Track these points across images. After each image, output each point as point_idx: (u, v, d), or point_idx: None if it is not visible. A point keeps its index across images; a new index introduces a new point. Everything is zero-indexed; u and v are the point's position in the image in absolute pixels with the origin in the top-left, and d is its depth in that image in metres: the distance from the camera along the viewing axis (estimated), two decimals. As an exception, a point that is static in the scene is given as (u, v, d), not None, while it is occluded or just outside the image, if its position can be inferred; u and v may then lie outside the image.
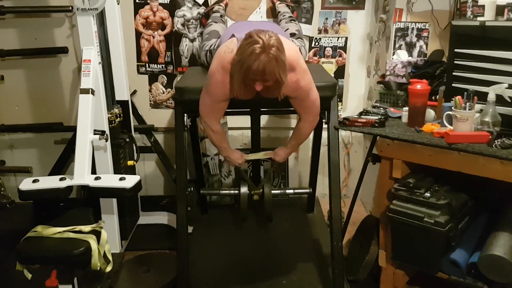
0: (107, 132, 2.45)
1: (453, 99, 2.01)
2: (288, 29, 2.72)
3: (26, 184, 2.18)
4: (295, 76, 2.02)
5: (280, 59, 1.86)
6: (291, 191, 2.73)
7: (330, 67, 3.24)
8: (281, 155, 2.42)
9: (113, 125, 2.61)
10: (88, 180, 2.21)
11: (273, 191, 2.45)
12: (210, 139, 2.37)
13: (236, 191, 2.48)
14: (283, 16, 2.90)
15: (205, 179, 3.23)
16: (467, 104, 1.96)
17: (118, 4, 2.70)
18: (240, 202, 2.45)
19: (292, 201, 3.37)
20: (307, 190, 2.75)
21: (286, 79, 1.93)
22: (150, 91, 3.29)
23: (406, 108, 2.27)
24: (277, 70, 1.86)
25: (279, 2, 3.05)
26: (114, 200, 2.59)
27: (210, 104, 2.15)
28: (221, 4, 3.05)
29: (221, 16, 2.95)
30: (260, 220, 2.97)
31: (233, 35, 2.11)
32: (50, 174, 3.13)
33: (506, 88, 1.96)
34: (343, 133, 3.36)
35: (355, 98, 3.36)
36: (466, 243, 2.06)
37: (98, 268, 1.98)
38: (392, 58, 2.69)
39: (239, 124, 3.26)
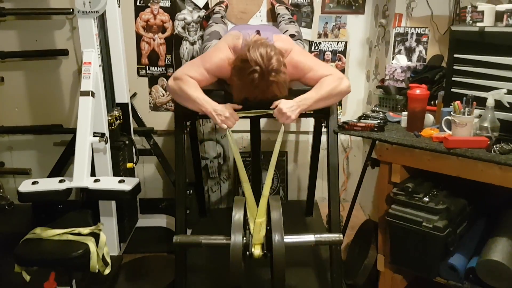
0: (107, 134, 2.45)
1: (452, 104, 2.01)
2: (287, 30, 2.72)
3: (25, 186, 2.19)
4: (288, 59, 1.96)
5: (280, 81, 1.84)
6: (312, 238, 1.89)
7: (329, 71, 3.25)
8: (286, 105, 1.89)
9: (112, 127, 2.61)
10: (87, 182, 2.22)
11: (287, 239, 1.70)
12: (182, 94, 1.94)
13: (226, 241, 1.72)
14: (283, 18, 2.91)
15: (204, 182, 3.23)
16: (466, 109, 1.96)
17: (119, 7, 2.71)
18: (230, 262, 1.68)
19: (291, 204, 3.38)
20: (336, 237, 1.92)
21: (285, 93, 1.92)
22: (150, 93, 3.30)
23: (405, 113, 2.28)
24: (277, 92, 1.86)
25: (278, 4, 3.05)
26: (113, 203, 2.59)
27: (198, 64, 2.00)
28: (221, 5, 3.06)
29: (222, 17, 2.95)
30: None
31: None
32: (49, 176, 3.12)
33: (505, 93, 1.96)
34: (342, 137, 3.37)
35: (355, 102, 3.36)
36: (464, 248, 2.06)
37: (97, 271, 1.98)
38: (392, 63, 2.69)
39: (239, 127, 3.24)
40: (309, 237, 1.88)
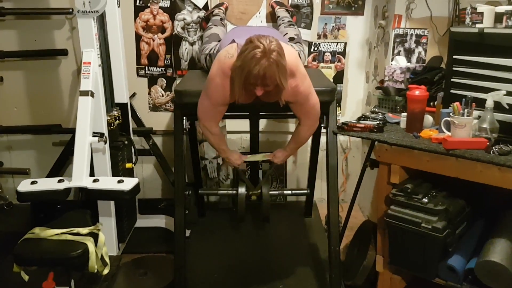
0: (106, 134, 2.45)
1: (451, 105, 2.02)
2: (287, 33, 2.73)
3: (24, 185, 2.18)
4: (294, 82, 2.03)
5: (281, 64, 1.87)
6: (289, 192, 2.81)
7: (329, 72, 3.25)
8: (279, 157, 2.44)
9: (112, 127, 2.61)
10: (86, 182, 2.21)
11: (271, 192, 2.48)
12: (209, 142, 2.39)
13: (234, 191, 2.48)
14: (282, 20, 2.91)
15: (203, 183, 3.23)
16: (465, 110, 1.96)
17: (118, 7, 2.71)
18: (238, 202, 2.45)
19: (290, 205, 3.38)
20: (305, 191, 2.80)
21: (286, 84, 1.93)
22: (149, 94, 3.29)
23: (404, 114, 2.28)
24: (277, 75, 1.86)
25: (278, 7, 3.06)
26: (112, 203, 2.58)
27: (209, 107, 2.16)
28: (221, 7, 3.06)
29: (221, 19, 2.96)
30: (257, 222, 2.96)
31: (233, 41, 2.11)
32: (48, 176, 3.12)
33: (504, 95, 1.97)
34: (341, 138, 3.37)
35: (354, 103, 3.37)
36: (463, 249, 2.06)
37: (95, 271, 1.98)
38: (391, 64, 2.70)
39: (238, 127, 3.26)
40: (287, 191, 2.92)
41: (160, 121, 3.32)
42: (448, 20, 2.65)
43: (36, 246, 1.94)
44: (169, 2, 3.10)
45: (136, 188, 2.26)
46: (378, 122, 2.29)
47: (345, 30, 3.20)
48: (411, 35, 2.71)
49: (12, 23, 3.14)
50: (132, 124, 3.04)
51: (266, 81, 1.87)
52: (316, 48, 3.22)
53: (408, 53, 2.73)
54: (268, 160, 2.49)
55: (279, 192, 3.08)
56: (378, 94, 2.68)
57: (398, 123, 2.35)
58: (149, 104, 3.31)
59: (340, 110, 3.33)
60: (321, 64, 3.26)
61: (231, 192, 2.59)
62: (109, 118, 2.59)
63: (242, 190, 2.45)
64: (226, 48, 2.11)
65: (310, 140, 3.00)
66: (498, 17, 2.05)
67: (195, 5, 3.11)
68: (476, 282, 1.94)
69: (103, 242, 2.07)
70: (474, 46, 2.09)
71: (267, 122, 3.34)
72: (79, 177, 2.22)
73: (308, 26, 3.18)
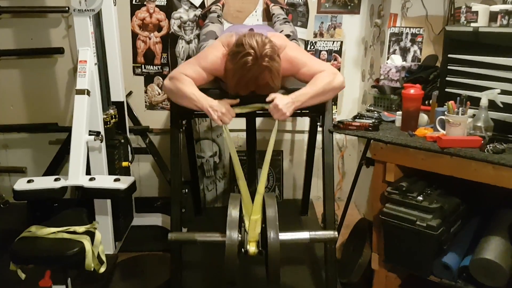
0: (102, 133, 2.45)
1: (446, 104, 2.03)
2: (282, 30, 2.73)
3: (21, 184, 2.19)
4: (283, 55, 1.98)
5: (274, 68, 1.86)
6: (307, 235, 1.96)
7: (325, 71, 3.26)
8: (281, 101, 1.90)
9: (108, 126, 2.61)
10: (82, 180, 2.22)
11: (282, 236, 1.71)
12: (178, 93, 1.95)
13: (221, 238, 1.76)
14: (277, 18, 2.91)
15: (200, 181, 3.23)
16: (460, 109, 1.97)
17: (114, 5, 2.71)
18: (225, 257, 1.69)
19: (286, 203, 3.39)
20: (331, 234, 2.00)
21: (279, 84, 1.93)
22: (145, 92, 3.30)
23: (399, 112, 2.29)
24: (270, 79, 1.87)
25: (273, 4, 3.06)
26: (108, 201, 2.59)
27: (194, 63, 2.03)
28: (218, 4, 3.06)
29: (218, 16, 2.96)
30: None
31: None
32: (44, 175, 3.12)
33: (499, 93, 1.98)
34: (337, 136, 3.38)
35: (350, 101, 3.37)
36: (457, 246, 2.08)
37: (92, 269, 1.98)
38: (387, 63, 2.71)
39: (234, 126, 3.25)
40: (304, 235, 1.92)
41: (156, 119, 3.33)
42: (444, 19, 2.66)
43: (32, 245, 1.94)
44: (165, 0, 3.10)
45: (133, 187, 2.26)
46: (373, 120, 2.30)
47: (341, 29, 3.21)
48: (407, 34, 2.72)
49: (8, 22, 3.14)
50: (128, 123, 3.04)
51: (258, 83, 1.87)
52: (312, 47, 3.23)
53: (404, 51, 2.74)
54: (267, 112, 1.95)
55: (294, 237, 1.98)
56: (374, 93, 2.68)
57: (393, 121, 2.36)
58: (145, 102, 3.31)
59: (336, 108, 3.34)
60: (317, 63, 3.26)
61: (215, 239, 1.85)
62: (105, 116, 2.59)
63: (233, 236, 1.67)
64: (225, 34, 2.09)
65: (306, 139, 3.01)
66: (493, 16, 2.06)
67: (191, 3, 3.11)
68: (471, 279, 1.95)
69: (100, 241, 2.07)
70: (469, 45, 2.10)
71: (263, 120, 3.34)
72: (75, 175, 2.22)
73: (304, 25, 3.18)
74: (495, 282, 1.88)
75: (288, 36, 2.67)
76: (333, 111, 3.12)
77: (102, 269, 2.07)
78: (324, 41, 3.22)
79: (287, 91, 2.05)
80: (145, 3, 3.11)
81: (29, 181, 2.20)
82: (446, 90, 2.20)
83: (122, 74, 2.86)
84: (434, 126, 2.12)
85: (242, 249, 1.76)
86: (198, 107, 1.97)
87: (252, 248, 1.77)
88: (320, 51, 3.24)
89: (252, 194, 1.95)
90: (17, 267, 1.98)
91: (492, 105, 1.99)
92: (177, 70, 2.03)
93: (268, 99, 1.93)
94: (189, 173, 3.09)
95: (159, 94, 3.29)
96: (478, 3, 2.17)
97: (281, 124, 3.37)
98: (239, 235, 1.75)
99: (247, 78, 1.83)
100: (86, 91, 2.32)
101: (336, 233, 1.98)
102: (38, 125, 3.30)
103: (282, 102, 1.90)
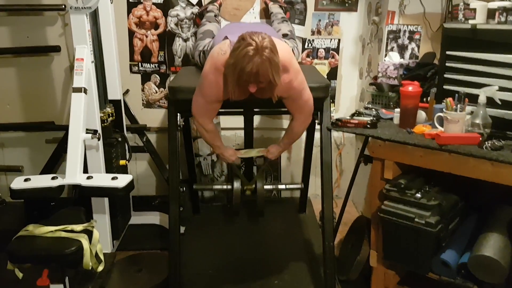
0: (99, 131, 2.44)
1: (444, 101, 2.03)
2: (280, 29, 2.73)
3: (18, 183, 2.17)
4: (288, 77, 2.03)
5: (274, 61, 1.87)
6: (283, 186, 2.93)
7: (323, 69, 3.26)
8: (273, 153, 2.45)
9: (105, 124, 2.60)
10: (80, 179, 2.21)
11: (265, 186, 2.51)
12: (203, 138, 2.38)
13: (229, 186, 2.52)
14: (276, 16, 2.91)
15: (197, 179, 3.23)
16: (458, 106, 1.98)
17: (111, 3, 2.70)
18: (233, 196, 2.48)
19: (284, 201, 3.39)
20: (299, 186, 2.87)
21: (279, 81, 1.93)
22: (142, 90, 3.29)
23: (397, 110, 2.29)
24: (270, 72, 1.86)
25: (272, 2, 3.05)
26: (106, 200, 2.58)
27: (203, 104, 2.16)
28: (215, 3, 3.05)
29: (215, 15, 2.95)
30: (252, 219, 2.97)
31: (226, 37, 2.11)
32: (41, 173, 3.11)
33: (497, 90, 1.98)
34: (335, 134, 3.38)
35: (348, 99, 3.37)
36: (456, 243, 2.08)
37: (90, 268, 1.98)
38: (384, 60, 2.71)
39: (232, 124, 3.26)
40: (281, 186, 3.02)
41: (153, 117, 3.32)
42: (441, 16, 2.65)
43: (30, 244, 1.94)
44: (162, -2, 3.09)
45: (130, 185, 2.25)
46: (371, 118, 2.30)
47: (339, 27, 3.20)
48: (404, 31, 2.72)
49: (4, 20, 3.12)
50: (125, 121, 3.03)
51: (259, 78, 1.87)
52: (310, 45, 3.23)
53: (402, 49, 2.74)
54: (263, 156, 2.51)
55: (274, 186, 3.12)
56: (372, 90, 2.68)
57: (391, 119, 2.36)
58: (142, 100, 3.30)
59: (334, 106, 3.34)
60: (315, 61, 3.26)
61: (226, 187, 2.60)
62: (102, 115, 2.58)
63: (237, 184, 2.47)
64: (219, 45, 2.10)
65: (304, 136, 3.00)
66: (491, 13, 2.06)
67: (188, 1, 3.10)
68: (469, 276, 1.95)
69: (97, 239, 2.07)
70: (467, 42, 2.10)
71: (261, 118, 3.34)
72: (72, 174, 2.21)
73: (302, 23, 3.18)
74: (493, 279, 1.89)
75: (286, 35, 2.67)
76: (331, 109, 3.12)
77: (100, 268, 2.07)
78: (322, 38, 3.22)
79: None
80: (141, 0, 3.10)
81: (26, 180, 2.18)
82: (444, 87, 2.20)
83: (119, 72, 2.85)
84: (432, 123, 2.12)
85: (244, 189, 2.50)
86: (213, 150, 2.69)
87: (248, 192, 2.50)
88: (318, 49, 3.24)
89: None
90: (15, 266, 1.97)
91: (490, 102, 1.99)
92: (200, 118, 2.24)
93: (264, 153, 2.48)
94: (187, 172, 3.09)
95: (156, 92, 3.29)
96: (476, 0, 2.17)
97: (279, 122, 3.37)
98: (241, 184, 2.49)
99: (248, 70, 1.83)
100: (83, 89, 2.31)
101: (302, 184, 2.85)
102: (35, 124, 3.28)
103: (274, 155, 2.47)
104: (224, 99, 2.10)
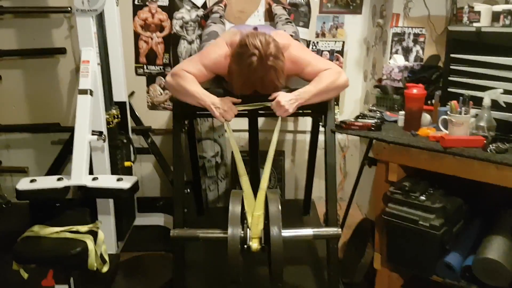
0: (105, 133, 2.45)
1: (449, 103, 2.03)
2: (284, 31, 2.73)
3: (23, 184, 2.19)
4: (287, 55, 1.98)
5: (279, 67, 1.86)
6: (311, 231, 1.93)
7: (327, 71, 3.26)
8: (284, 98, 1.90)
9: (110, 126, 2.62)
10: (85, 180, 2.22)
11: (284, 233, 1.69)
12: (180, 90, 1.96)
13: (222, 235, 1.74)
14: (279, 18, 2.91)
15: (201, 181, 3.24)
16: (463, 108, 1.97)
17: (117, 5, 2.72)
18: (228, 254, 1.67)
19: (288, 203, 3.38)
20: (334, 231, 1.97)
21: (284, 81, 1.93)
22: (148, 92, 3.30)
23: (402, 112, 2.29)
24: (275, 79, 1.87)
25: (275, 4, 3.06)
26: (111, 201, 2.59)
27: (196, 60, 2.03)
28: (220, 4, 3.06)
29: (221, 17, 2.96)
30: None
31: None
32: (46, 175, 3.12)
33: (501, 93, 1.98)
34: (339, 137, 3.37)
35: (352, 102, 3.37)
36: (460, 246, 2.07)
37: (95, 269, 1.99)
38: (389, 63, 2.71)
39: (237, 126, 3.26)
40: (307, 231, 1.91)
41: (158, 119, 3.33)
42: (446, 19, 2.65)
43: (35, 244, 1.95)
44: (167, 0, 3.11)
45: (135, 186, 2.26)
46: (376, 120, 2.30)
47: (343, 29, 3.21)
48: (409, 34, 2.72)
49: (10, 22, 3.14)
50: (130, 123, 3.05)
51: (264, 84, 1.87)
52: (314, 47, 3.23)
53: (406, 51, 2.74)
54: (269, 109, 1.95)
55: (296, 233, 1.93)
56: (376, 93, 2.68)
57: (396, 121, 2.35)
58: (147, 102, 3.32)
59: (338, 108, 3.34)
60: (319, 63, 3.26)
61: (217, 235, 1.83)
62: (108, 116, 2.59)
63: (235, 232, 1.67)
64: (230, 30, 2.10)
65: (308, 139, 3.01)
66: (495, 16, 2.05)
67: (193, 3, 3.11)
68: (474, 279, 1.95)
69: (102, 240, 2.08)
70: (472, 45, 2.10)
71: (266, 120, 3.35)
72: (78, 175, 2.22)
73: (306, 25, 3.18)
74: (498, 282, 1.88)
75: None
76: (335, 111, 3.12)
77: (105, 269, 2.08)
78: (326, 41, 3.22)
79: (291, 90, 2.05)
80: (147, 3, 3.11)
81: (31, 181, 2.20)
82: (449, 90, 2.20)
83: (124, 74, 2.87)
84: (436, 126, 2.12)
85: (245, 246, 1.74)
86: (201, 104, 1.97)
87: (254, 244, 1.73)
88: (322, 51, 3.24)
89: (255, 193, 1.94)
90: (20, 267, 1.99)
91: (495, 105, 1.99)
92: (179, 67, 2.03)
93: (271, 97, 1.93)
94: (191, 173, 3.09)
95: (161, 94, 3.30)
96: (481, 3, 2.17)
97: (283, 124, 3.37)
98: (241, 231, 1.73)
99: (253, 79, 1.83)
100: (88, 91, 2.32)
101: (339, 230, 1.97)
102: (40, 125, 3.30)
103: (285, 98, 1.91)
104: (218, 74, 2.02)
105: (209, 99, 1.94)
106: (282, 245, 1.67)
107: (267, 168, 1.96)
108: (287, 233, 1.75)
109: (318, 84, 1.96)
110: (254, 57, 1.81)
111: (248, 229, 1.76)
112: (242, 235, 1.73)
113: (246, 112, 2.50)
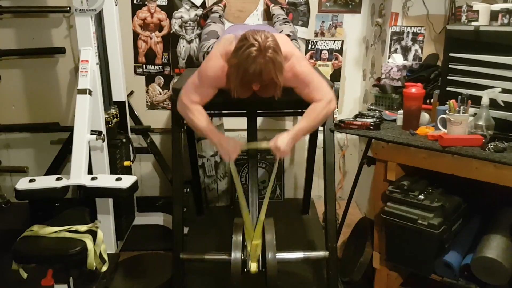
0: (104, 132, 2.45)
1: (447, 102, 2.03)
2: (282, 30, 2.73)
3: (23, 183, 2.19)
4: (289, 65, 2.00)
5: (277, 61, 1.87)
6: (301, 254, 2.27)
7: (326, 70, 3.26)
8: (283, 140, 2.00)
9: (109, 125, 2.62)
10: (84, 180, 2.22)
11: (278, 256, 2.00)
12: (190, 123, 2.08)
13: (227, 257, 2.04)
14: (277, 18, 2.91)
15: (201, 180, 3.24)
16: (461, 107, 1.98)
17: (116, 5, 2.72)
18: (230, 276, 1.99)
19: (287, 203, 3.39)
20: (323, 254, 2.23)
21: (282, 80, 1.93)
22: (147, 92, 3.30)
23: (401, 111, 2.29)
24: (273, 72, 1.87)
25: (273, 4, 3.06)
26: (110, 201, 2.59)
27: (198, 84, 2.06)
28: (220, 4, 3.06)
29: (220, 16, 2.96)
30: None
31: None
32: (46, 174, 3.13)
33: (500, 92, 1.98)
34: (338, 136, 3.38)
35: (351, 101, 3.38)
36: (459, 245, 2.08)
37: (94, 268, 1.99)
38: (388, 62, 2.71)
39: (235, 125, 3.27)
40: (298, 254, 2.26)
41: (157, 119, 3.33)
42: (445, 18, 2.66)
43: (34, 244, 1.95)
44: (166, 0, 3.10)
45: (134, 186, 2.26)
46: (375, 119, 2.30)
47: (342, 28, 3.21)
48: (408, 33, 2.72)
49: (9, 22, 3.14)
50: (130, 122, 3.05)
51: (262, 78, 1.87)
52: (313, 46, 3.23)
53: (405, 50, 2.74)
54: (269, 151, 2.07)
55: (289, 256, 2.26)
56: (375, 92, 2.69)
57: (394, 120, 2.36)
58: (146, 102, 3.32)
59: (337, 107, 3.33)
60: (319, 62, 3.27)
61: (222, 258, 2.13)
62: (107, 116, 2.59)
63: (236, 256, 1.98)
64: (225, 37, 2.10)
65: (307, 138, 3.01)
66: (494, 15, 2.05)
67: (192, 3, 3.11)
68: (472, 278, 1.95)
69: (102, 240, 2.08)
70: (470, 44, 2.10)
71: (264, 120, 3.35)
72: (77, 175, 2.22)
73: (305, 24, 3.18)
74: (496, 280, 1.89)
75: (288, 36, 2.67)
76: (334, 110, 3.12)
77: (104, 268, 2.08)
78: (325, 40, 3.22)
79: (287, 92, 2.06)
80: (146, 2, 3.11)
81: (31, 181, 2.20)
82: (447, 89, 2.20)
83: (123, 73, 2.87)
84: (435, 125, 2.12)
85: (245, 268, 2.01)
86: (209, 139, 2.13)
87: (253, 267, 2.01)
88: (321, 50, 3.24)
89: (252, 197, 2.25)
90: (19, 267, 1.99)
91: (493, 104, 1.99)
92: (186, 96, 2.06)
93: (270, 144, 2.02)
94: (190, 173, 3.10)
95: (160, 93, 3.30)
96: (479, 2, 2.17)
97: (282, 124, 3.37)
98: (242, 255, 2.01)
99: (252, 71, 1.83)
100: (87, 90, 2.33)
101: (327, 252, 2.21)
102: (40, 125, 3.30)
103: (283, 142, 2.00)
104: (222, 87, 2.05)
105: (216, 137, 2.07)
106: (277, 268, 1.98)
107: (266, 201, 2.12)
108: (281, 256, 2.08)
109: (311, 121, 2.07)
110: (253, 47, 1.82)
111: (248, 254, 2.04)
112: (243, 258, 2.02)
113: (245, 111, 2.52)
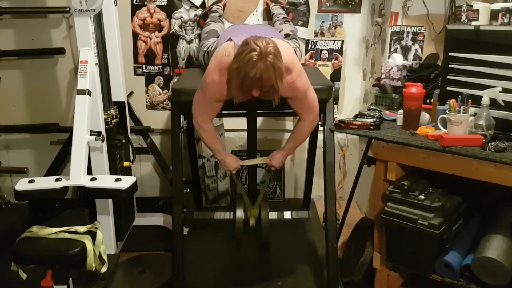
0: (104, 133, 2.45)
1: (448, 102, 2.02)
2: (282, 30, 2.73)
3: (22, 184, 2.18)
4: (291, 78, 2.03)
5: (277, 67, 1.87)
6: (289, 213, 3.00)
7: (326, 70, 3.26)
8: (277, 159, 2.38)
9: (109, 126, 2.62)
10: (84, 181, 2.22)
11: (271, 215, 2.50)
12: (202, 140, 2.36)
13: (231, 214, 2.54)
14: (277, 17, 2.91)
15: (201, 181, 3.24)
16: (461, 107, 1.97)
17: (115, 5, 2.71)
18: (235, 226, 2.45)
19: (287, 202, 3.39)
20: (305, 215, 2.93)
21: (282, 86, 1.94)
22: (146, 92, 3.30)
23: (401, 111, 2.29)
24: (273, 78, 1.87)
25: (273, 4, 3.06)
26: (110, 201, 2.59)
27: (204, 102, 2.16)
28: (219, 4, 3.06)
29: (220, 16, 2.96)
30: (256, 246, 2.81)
31: (230, 39, 2.11)
32: (46, 175, 3.12)
33: (500, 92, 1.98)
34: (338, 136, 3.37)
35: (351, 100, 3.37)
36: (459, 245, 2.07)
37: (93, 269, 1.99)
38: (388, 62, 2.70)
39: (235, 126, 3.27)
40: (287, 214, 3.06)
41: (157, 119, 3.33)
42: (445, 18, 2.65)
43: (34, 245, 1.95)
44: (166, 0, 3.10)
45: (134, 187, 2.26)
46: (375, 119, 2.30)
47: (342, 28, 3.20)
48: (408, 32, 2.72)
49: (9, 22, 3.14)
50: (129, 123, 3.05)
51: (262, 83, 1.87)
52: (313, 46, 3.23)
53: (405, 50, 2.74)
54: (266, 165, 2.50)
55: (279, 216, 3.09)
56: (375, 92, 2.68)
57: (394, 120, 2.35)
58: (146, 102, 3.31)
59: (337, 107, 3.34)
60: (318, 62, 3.26)
61: (228, 216, 2.78)
62: (106, 116, 2.59)
63: (239, 213, 2.46)
64: (223, 45, 2.11)
65: (307, 138, 3.01)
66: (494, 14, 2.05)
67: (192, 3, 3.11)
68: (473, 278, 1.95)
69: (101, 240, 2.07)
70: (470, 43, 2.10)
71: (264, 120, 3.35)
72: (76, 175, 2.22)
73: (305, 24, 3.18)
74: (497, 281, 1.88)
75: (288, 35, 2.67)
76: (334, 110, 3.12)
77: (104, 269, 2.08)
78: (325, 40, 3.22)
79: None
80: (145, 3, 3.11)
81: (30, 181, 2.20)
82: (448, 88, 2.19)
83: (123, 74, 2.86)
84: (435, 125, 2.12)
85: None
86: (214, 155, 2.49)
87: (252, 222, 2.51)
88: (321, 50, 3.24)
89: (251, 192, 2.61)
90: (19, 267, 1.98)
91: (494, 104, 1.99)
92: (198, 117, 2.22)
93: (266, 160, 2.43)
94: (190, 173, 3.09)
95: (160, 94, 3.30)
96: (479, 2, 2.16)
97: (282, 123, 3.37)
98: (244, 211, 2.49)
99: (252, 75, 1.83)
100: (87, 91, 2.32)
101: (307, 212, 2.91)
102: (40, 126, 3.30)
103: (278, 162, 2.39)
104: (226, 99, 2.10)
105: (220, 156, 2.35)
106: (268, 224, 2.48)
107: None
108: (271, 215, 2.64)
109: (298, 139, 2.36)
110: (254, 52, 1.84)
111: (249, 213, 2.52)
112: (244, 213, 2.49)
113: (245, 111, 2.52)
